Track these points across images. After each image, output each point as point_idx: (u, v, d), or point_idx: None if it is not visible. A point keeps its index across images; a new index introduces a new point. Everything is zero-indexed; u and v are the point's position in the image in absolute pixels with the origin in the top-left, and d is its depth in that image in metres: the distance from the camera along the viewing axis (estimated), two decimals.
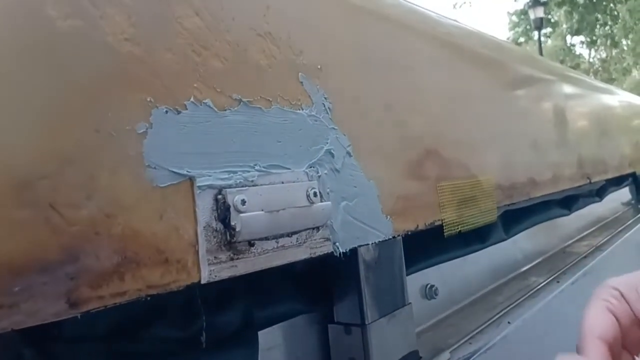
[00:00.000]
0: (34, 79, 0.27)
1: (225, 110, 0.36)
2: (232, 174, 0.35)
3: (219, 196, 0.34)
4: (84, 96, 0.29)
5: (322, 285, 0.56)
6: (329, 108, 0.45)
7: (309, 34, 0.45)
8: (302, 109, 0.43)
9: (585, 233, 1.44)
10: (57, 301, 0.26)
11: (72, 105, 0.28)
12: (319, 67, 0.45)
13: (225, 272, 0.34)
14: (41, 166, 0.27)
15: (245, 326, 0.45)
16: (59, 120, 0.28)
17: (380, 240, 0.48)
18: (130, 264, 0.29)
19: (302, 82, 0.43)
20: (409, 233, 0.53)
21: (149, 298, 0.30)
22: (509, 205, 0.77)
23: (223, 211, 0.34)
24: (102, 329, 0.38)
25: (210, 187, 0.34)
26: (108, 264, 0.28)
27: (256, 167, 0.37)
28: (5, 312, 0.24)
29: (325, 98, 0.45)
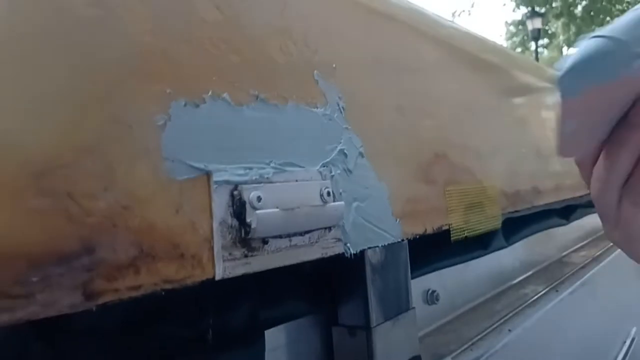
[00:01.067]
0: (53, 68, 0.26)
1: (242, 105, 0.36)
2: (248, 170, 0.35)
3: (235, 192, 0.34)
4: (104, 86, 0.28)
5: (326, 287, 0.56)
6: (342, 108, 0.45)
7: (324, 33, 0.45)
8: (317, 108, 0.42)
9: (581, 244, 1.44)
10: (73, 292, 0.25)
11: (91, 95, 0.28)
12: (333, 66, 0.45)
13: (239, 269, 0.34)
14: (59, 155, 0.26)
15: (251, 325, 0.45)
16: (78, 110, 0.27)
17: (390, 242, 0.48)
18: (147, 258, 0.29)
19: (317, 81, 0.43)
20: (417, 237, 0.53)
21: (163, 292, 0.29)
22: (512, 212, 0.76)
23: (239, 207, 0.33)
24: (109, 325, 0.37)
25: (226, 182, 0.33)
26: (124, 257, 0.28)
27: (271, 164, 0.37)
28: (22, 302, 0.24)
29: (339, 97, 0.45)
